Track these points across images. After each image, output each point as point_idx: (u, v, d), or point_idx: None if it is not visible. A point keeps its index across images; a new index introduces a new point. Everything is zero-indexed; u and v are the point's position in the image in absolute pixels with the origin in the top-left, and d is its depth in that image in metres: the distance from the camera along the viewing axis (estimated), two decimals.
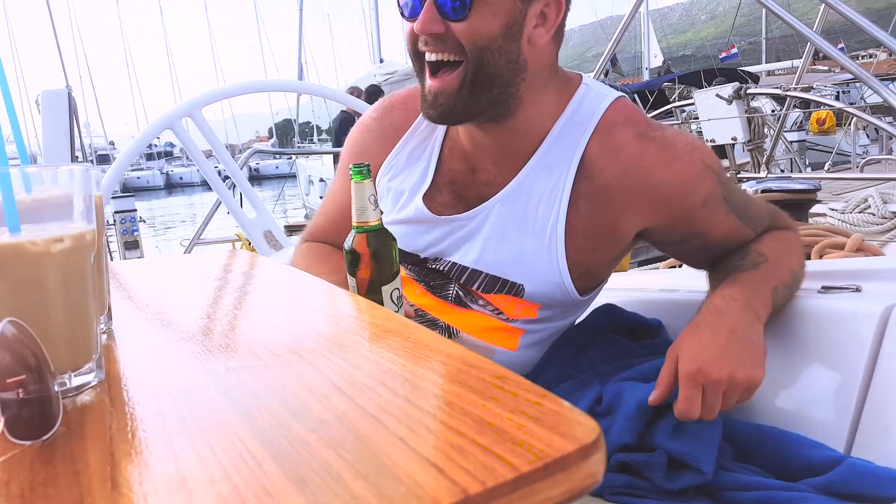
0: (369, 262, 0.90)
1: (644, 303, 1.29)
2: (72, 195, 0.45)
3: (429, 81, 0.98)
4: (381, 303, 0.93)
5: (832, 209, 3.14)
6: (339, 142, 7.96)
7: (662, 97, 16.40)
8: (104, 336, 0.57)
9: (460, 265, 1.09)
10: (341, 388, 0.39)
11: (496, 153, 1.06)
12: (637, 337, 1.18)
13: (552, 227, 1.02)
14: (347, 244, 0.92)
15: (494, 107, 0.99)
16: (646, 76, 25.31)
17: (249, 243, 2.86)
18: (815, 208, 3.28)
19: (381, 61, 19.34)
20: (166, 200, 32.03)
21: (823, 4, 2.79)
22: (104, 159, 49.14)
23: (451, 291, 1.12)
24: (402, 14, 0.99)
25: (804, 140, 10.50)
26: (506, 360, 1.12)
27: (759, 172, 3.39)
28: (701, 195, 1.01)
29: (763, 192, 2.04)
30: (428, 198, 1.11)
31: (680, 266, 2.53)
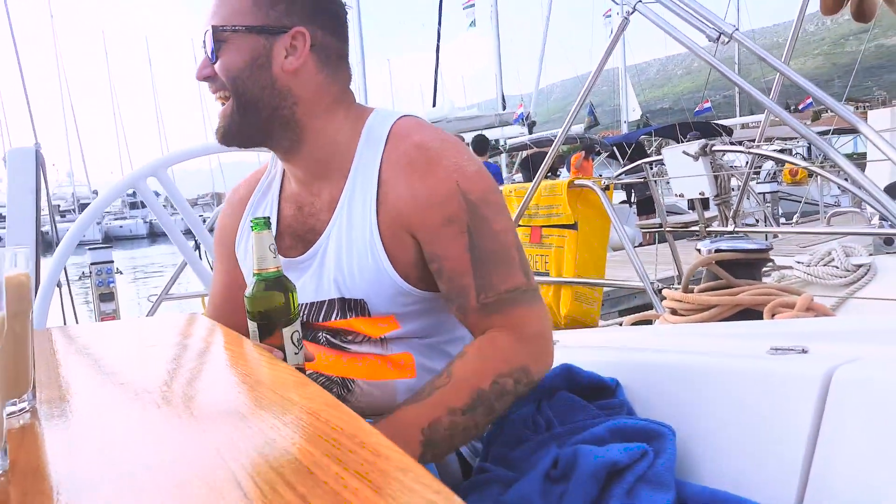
0: (268, 306, 0.97)
1: (604, 362, 1.28)
2: None
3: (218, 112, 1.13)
4: (283, 345, 0.99)
5: (798, 262, 3.20)
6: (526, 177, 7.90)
7: (640, 148, 16.77)
8: (27, 415, 0.57)
9: (316, 303, 1.15)
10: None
11: (312, 183, 1.17)
12: (594, 397, 1.18)
13: (370, 238, 1.08)
14: (248, 291, 0.99)
15: (275, 132, 1.12)
16: (624, 129, 26.00)
17: None
18: (783, 260, 3.35)
19: (434, 105, 19.78)
20: (148, 249, 31.84)
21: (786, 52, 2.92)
22: (87, 207, 48.99)
23: (321, 340, 1.18)
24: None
25: (777, 191, 10.73)
26: (414, 387, 1.11)
27: (726, 226, 3.46)
28: (443, 215, 1.05)
29: (716, 251, 2.09)
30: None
31: (650, 323, 2.57)
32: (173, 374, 0.79)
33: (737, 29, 2.07)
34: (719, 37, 2.07)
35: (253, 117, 1.10)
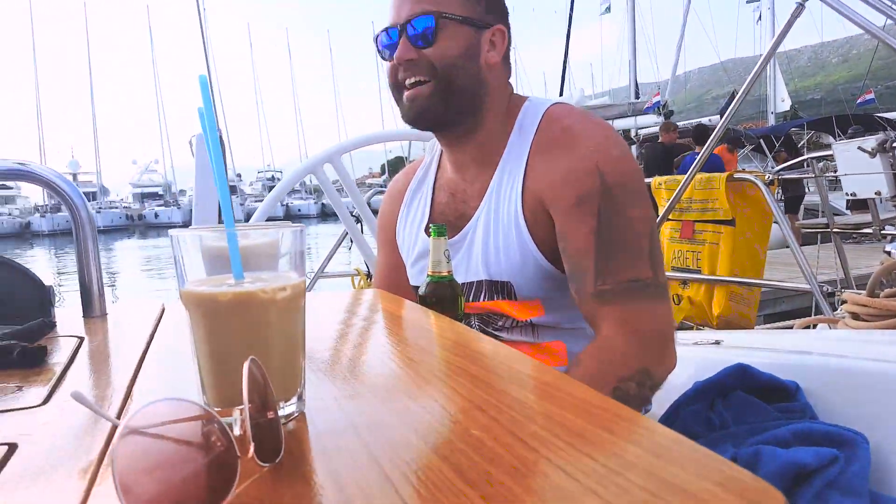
0: (439, 307, 1.02)
1: (779, 364, 1.24)
2: (290, 252, 0.53)
3: (405, 94, 1.18)
4: None
5: None
6: (648, 171, 7.87)
7: (790, 142, 15.57)
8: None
9: (467, 283, 1.21)
10: (524, 441, 0.43)
11: (469, 169, 1.24)
12: (772, 399, 1.15)
13: (516, 221, 1.13)
14: (422, 290, 1.05)
15: (465, 116, 1.18)
16: (771, 120, 24.15)
17: (368, 276, 3.02)
18: None
19: (560, 94, 19.78)
20: (318, 227, 34.20)
21: None
22: (232, 190, 52.93)
23: (473, 327, 1.23)
24: (384, 57, 1.21)
25: None
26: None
27: None
28: (576, 193, 1.06)
29: None
30: (428, 230, 1.26)
31: (814, 327, 2.41)
32: (411, 347, 0.84)
33: None
34: None
35: (454, 102, 1.17)
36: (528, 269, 1.13)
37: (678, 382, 1.23)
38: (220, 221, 2.42)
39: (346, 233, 2.63)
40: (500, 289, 1.17)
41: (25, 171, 0.99)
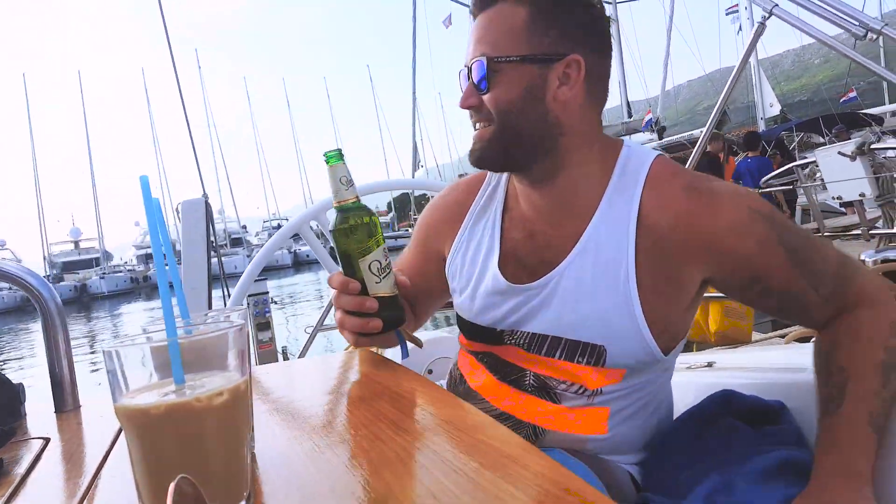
0: (343, 237, 1.01)
1: (765, 384, 1.24)
2: (227, 350, 0.52)
3: (474, 135, 1.11)
4: (361, 275, 1.02)
5: None
6: None
7: (781, 146, 15.66)
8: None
9: (540, 335, 1.11)
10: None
11: (553, 213, 1.12)
12: (759, 422, 1.13)
13: (623, 283, 1.04)
14: (332, 224, 1.03)
15: (535, 161, 1.08)
16: (761, 126, 24.29)
17: None
18: None
19: None
20: (294, 278, 34.00)
21: None
22: (237, 242, 53.45)
23: (528, 380, 1.14)
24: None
25: None
26: (601, 445, 1.11)
27: (892, 227, 3.18)
28: (753, 239, 1.01)
29: (883, 261, 1.92)
30: (501, 268, 1.16)
31: (809, 340, 2.38)
32: (360, 416, 0.85)
33: (886, 24, 1.94)
34: (867, 34, 1.95)
35: (515, 147, 1.07)
36: (630, 336, 1.05)
37: (671, 410, 1.22)
38: (210, 280, 2.48)
39: None
40: (586, 351, 1.07)
41: None
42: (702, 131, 3.09)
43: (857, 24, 2.00)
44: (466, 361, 1.24)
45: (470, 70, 1.07)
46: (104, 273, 49.83)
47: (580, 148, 1.09)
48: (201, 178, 3.06)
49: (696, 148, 3.04)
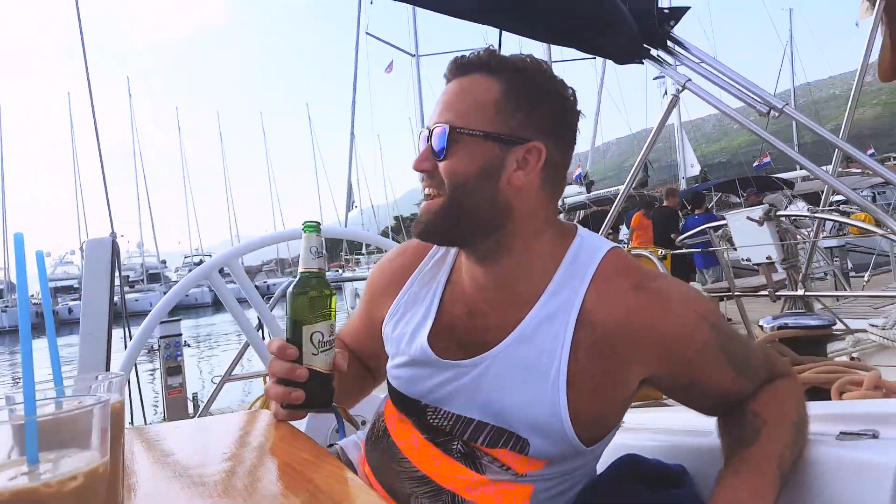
0: (294, 302, 1.02)
1: (669, 447, 1.26)
2: (89, 428, 0.50)
3: (421, 204, 1.09)
4: (301, 343, 1.02)
5: (872, 325, 3.08)
6: (660, 231, 9.07)
7: (700, 204, 16.52)
8: None
9: (465, 417, 1.08)
10: None
11: (496, 296, 1.09)
12: (661, 487, 1.14)
13: (554, 377, 1.02)
14: (292, 288, 1.03)
15: (479, 239, 1.06)
16: (683, 184, 25.66)
17: None
18: (857, 323, 3.22)
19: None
20: (213, 318, 32.74)
21: (846, 112, 2.90)
22: (155, 278, 51.25)
23: (455, 444, 1.11)
24: None
25: (845, 245, 10.29)
26: None
27: (796, 290, 3.39)
28: (695, 345, 1.03)
29: (779, 328, 2.06)
30: (431, 339, 1.12)
31: None
32: (241, 479, 0.84)
33: (787, 104, 2.11)
34: (770, 111, 2.11)
35: (463, 224, 1.05)
36: (553, 432, 1.03)
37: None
38: (111, 326, 2.35)
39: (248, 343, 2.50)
40: (510, 441, 1.05)
41: None
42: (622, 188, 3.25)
43: (761, 101, 2.17)
44: (394, 416, 1.20)
45: (431, 133, 1.04)
46: (6, 306, 46.66)
47: (528, 234, 1.06)
48: (110, 215, 2.92)
49: (614, 204, 3.17)
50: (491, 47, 1.10)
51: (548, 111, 1.05)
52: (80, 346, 2.13)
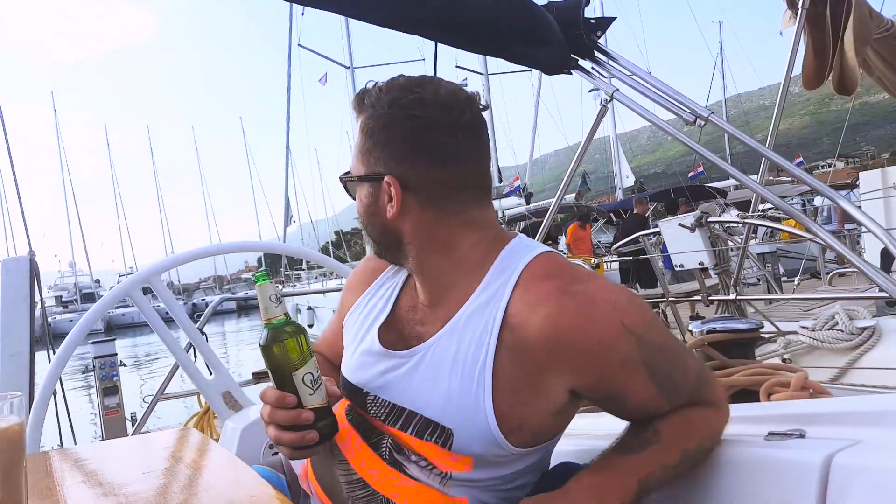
0: (275, 353, 1.01)
1: (597, 451, 1.26)
2: None
3: None
4: (295, 388, 1.03)
5: (803, 327, 3.20)
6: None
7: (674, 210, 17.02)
8: None
9: (398, 406, 1.11)
10: None
11: (432, 297, 1.15)
12: None
13: (479, 372, 1.03)
14: (261, 341, 1.03)
15: (400, 261, 1.17)
16: (619, 195, 26.36)
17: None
18: (787, 325, 3.34)
19: None
20: (150, 336, 31.65)
21: (773, 121, 3.01)
22: (89, 297, 49.43)
23: (384, 448, 1.14)
24: None
25: (777, 250, 10.74)
26: None
27: (728, 294, 3.48)
28: (618, 357, 1.01)
29: (708, 332, 2.10)
30: (382, 331, 1.19)
31: None
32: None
33: (712, 112, 2.16)
34: (695, 120, 2.16)
35: (380, 250, 1.19)
36: (477, 425, 1.04)
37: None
38: (33, 345, 2.24)
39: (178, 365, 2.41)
40: (435, 432, 1.06)
41: None
42: (565, 198, 3.29)
43: (688, 111, 2.22)
44: (342, 414, 1.24)
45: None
46: None
47: (434, 253, 1.12)
48: (27, 233, 2.79)
49: (547, 214, 3.20)
50: (369, 83, 1.15)
51: (396, 140, 1.08)
52: (0, 366, 2.03)
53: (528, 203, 18.81)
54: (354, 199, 1.16)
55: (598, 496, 0.96)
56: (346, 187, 1.17)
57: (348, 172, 1.15)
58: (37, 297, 2.31)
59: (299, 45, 23.79)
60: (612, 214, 16.47)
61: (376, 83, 1.12)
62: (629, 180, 28.00)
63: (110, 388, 6.27)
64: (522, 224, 17.64)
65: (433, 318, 1.13)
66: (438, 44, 2.62)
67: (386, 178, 1.08)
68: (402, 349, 1.14)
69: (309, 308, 16.51)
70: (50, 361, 2.67)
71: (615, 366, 1.01)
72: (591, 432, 1.45)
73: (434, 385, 1.07)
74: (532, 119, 24.57)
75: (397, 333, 1.17)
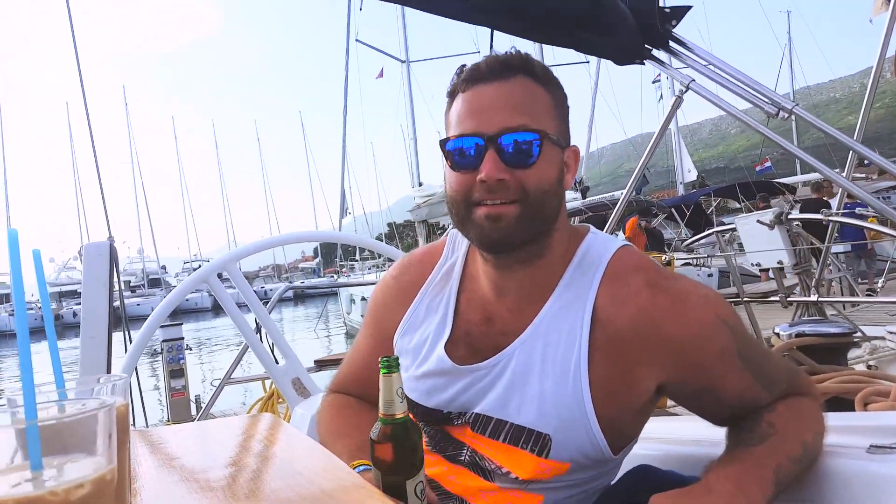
0: (393, 455, 0.89)
1: (682, 457, 1.22)
2: (94, 433, 0.47)
3: (484, 211, 1.00)
4: (405, 497, 0.90)
5: (891, 332, 3.00)
6: None
7: (699, 210, 16.46)
8: None
9: (485, 416, 1.07)
10: None
11: (516, 297, 1.08)
12: None
13: (574, 374, 1.00)
14: (373, 433, 0.90)
15: (532, 244, 1.04)
16: (680, 190, 25.60)
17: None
18: (873, 330, 3.14)
19: (420, 184, 20.30)
20: (213, 322, 32.84)
21: (861, 112, 2.83)
22: (155, 283, 51.47)
23: (463, 457, 1.10)
24: (455, 166, 1.03)
25: (858, 250, 10.13)
26: None
27: (809, 296, 3.31)
28: (714, 350, 0.99)
29: (797, 335, 1.99)
30: (448, 348, 1.12)
31: None
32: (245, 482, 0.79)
33: (797, 104, 2.05)
34: (778, 112, 2.05)
35: (534, 230, 1.03)
36: (578, 428, 1.00)
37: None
38: (111, 329, 2.33)
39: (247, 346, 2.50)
40: (530, 439, 1.01)
41: None
42: (622, 193, 3.18)
43: (770, 102, 2.12)
44: None
45: (493, 141, 0.98)
46: (13, 311, 46.74)
47: (559, 234, 1.08)
48: (107, 219, 2.90)
49: (616, 207, 3.11)
50: (514, 50, 1.07)
51: (568, 114, 1.08)
52: (81, 349, 2.14)
53: (584, 197, 18.51)
54: (526, 164, 0.99)
55: (739, 487, 0.89)
56: (515, 147, 0.98)
57: (548, 133, 1.00)
58: (115, 282, 2.39)
59: (357, 40, 24.01)
60: (673, 210, 16.04)
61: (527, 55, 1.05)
62: (691, 175, 27.16)
63: (177, 371, 6.56)
64: (577, 219, 17.39)
65: (515, 324, 1.07)
66: (496, 33, 2.55)
67: (574, 147, 1.08)
68: (477, 362, 1.08)
69: (363, 298, 16.73)
70: (124, 343, 2.79)
71: (712, 357, 0.99)
72: (656, 436, 1.40)
73: (523, 391, 1.04)
74: (588, 111, 24.13)
75: (468, 347, 1.11)
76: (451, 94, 1.07)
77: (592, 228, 1.14)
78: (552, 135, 1.01)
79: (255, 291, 2.43)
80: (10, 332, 41.30)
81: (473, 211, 1.02)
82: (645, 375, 1.01)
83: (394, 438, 0.88)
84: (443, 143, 1.05)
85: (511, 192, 0.99)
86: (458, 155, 1.02)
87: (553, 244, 1.07)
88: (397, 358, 0.90)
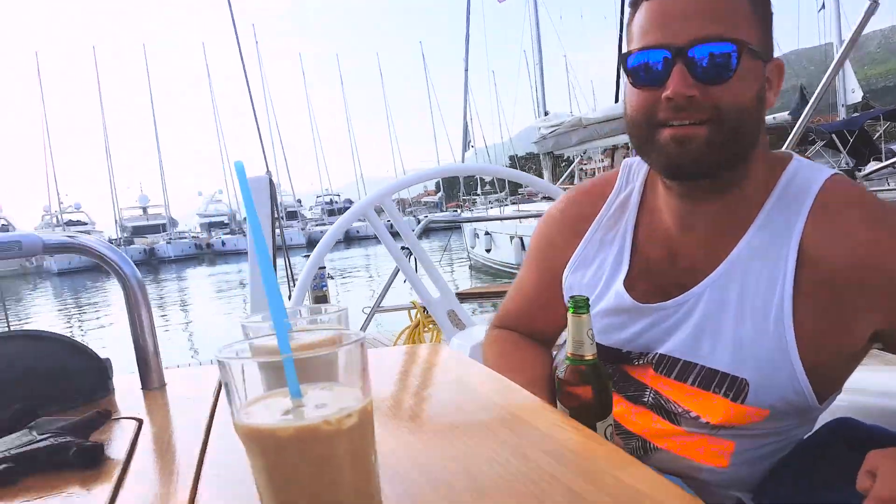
0: (585, 396, 0.86)
1: (891, 412, 1.11)
2: (354, 366, 0.48)
3: (671, 133, 0.91)
4: None
5: None
6: None
7: (865, 137, 14.76)
8: None
9: (671, 357, 1.01)
10: None
11: (706, 232, 1.00)
12: None
13: (776, 317, 0.92)
14: (560, 373, 0.88)
15: (729, 170, 0.94)
16: (842, 113, 22.90)
17: (425, 310, 3.03)
18: None
19: (546, 114, 19.69)
20: (346, 252, 34.81)
21: None
22: (292, 215, 54.94)
23: (646, 398, 1.05)
24: (636, 83, 0.94)
25: None
26: (718, 478, 1.01)
27: None
28: None
29: None
30: (627, 285, 1.06)
31: None
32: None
33: None
34: None
35: (727, 156, 0.93)
36: (781, 375, 0.92)
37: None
38: (275, 257, 2.48)
39: (398, 269, 2.64)
40: (724, 383, 0.95)
41: (75, 244, 1.00)
42: (775, 117, 2.87)
43: None
44: None
45: (682, 53, 0.88)
46: (170, 238, 52.10)
47: (758, 161, 0.97)
48: (265, 156, 3.10)
49: (788, 139, 2.83)
50: None
51: (771, 20, 0.95)
52: (250, 277, 2.29)
53: None
54: (722, 79, 0.88)
55: None
56: (710, 60, 0.88)
57: (748, 44, 0.89)
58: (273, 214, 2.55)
59: None
60: (834, 136, 14.46)
61: None
62: (855, 95, 24.14)
63: (320, 297, 7.00)
64: None
65: (701, 260, 0.99)
66: None
67: (778, 61, 0.95)
68: (660, 300, 1.01)
69: (486, 233, 16.83)
70: (286, 270, 3.00)
71: None
72: (855, 387, 1.27)
73: (716, 333, 0.97)
74: None
75: (648, 284, 1.04)
76: (634, 4, 0.96)
77: (796, 155, 1.01)
78: (753, 45, 0.90)
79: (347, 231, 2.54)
80: (168, 258, 46.00)
81: (657, 132, 0.93)
82: (859, 321, 0.91)
83: (585, 380, 0.86)
84: (623, 57, 0.95)
85: (702, 111, 0.89)
86: (643, 71, 0.92)
87: (750, 172, 0.96)
88: (587, 298, 0.85)
